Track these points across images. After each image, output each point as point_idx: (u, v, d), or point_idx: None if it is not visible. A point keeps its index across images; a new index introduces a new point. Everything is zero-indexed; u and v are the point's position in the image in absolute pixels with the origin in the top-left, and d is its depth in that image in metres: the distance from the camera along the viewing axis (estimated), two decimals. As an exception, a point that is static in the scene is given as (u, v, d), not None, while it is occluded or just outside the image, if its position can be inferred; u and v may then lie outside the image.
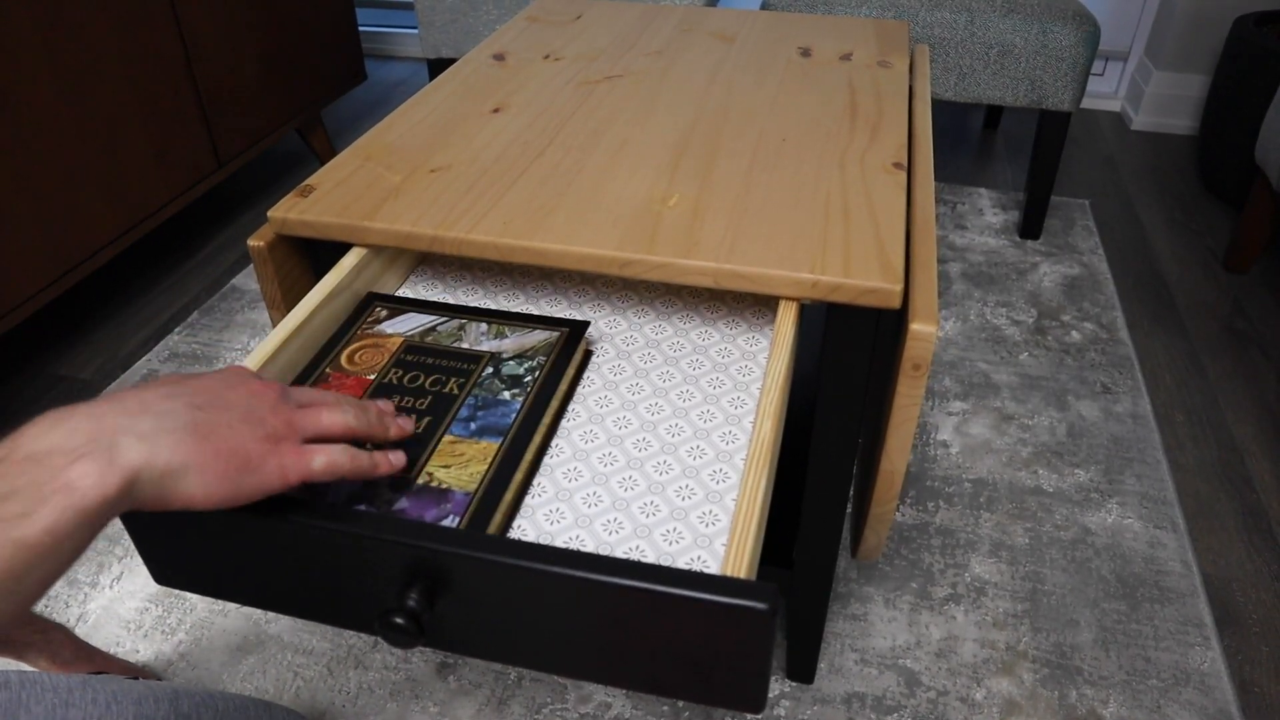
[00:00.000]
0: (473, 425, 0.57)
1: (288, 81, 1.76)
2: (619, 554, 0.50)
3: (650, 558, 0.50)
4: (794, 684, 0.95)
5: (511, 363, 0.62)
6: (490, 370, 0.62)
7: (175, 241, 1.76)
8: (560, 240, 0.66)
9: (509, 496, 0.53)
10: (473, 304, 0.76)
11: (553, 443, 0.59)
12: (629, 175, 0.76)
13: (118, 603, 1.04)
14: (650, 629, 0.43)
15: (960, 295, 1.58)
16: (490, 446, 0.55)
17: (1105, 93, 2.36)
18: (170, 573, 0.53)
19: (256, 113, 1.68)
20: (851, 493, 1.11)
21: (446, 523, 0.50)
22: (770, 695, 0.94)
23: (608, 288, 0.77)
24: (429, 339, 0.65)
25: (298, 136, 2.12)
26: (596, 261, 0.66)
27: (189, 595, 1.05)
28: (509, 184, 0.74)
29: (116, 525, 1.14)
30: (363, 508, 0.51)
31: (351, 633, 1.01)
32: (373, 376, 0.61)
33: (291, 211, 0.70)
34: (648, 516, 0.53)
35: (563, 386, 0.62)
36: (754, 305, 0.74)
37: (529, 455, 0.56)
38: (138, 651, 0.99)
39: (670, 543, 0.51)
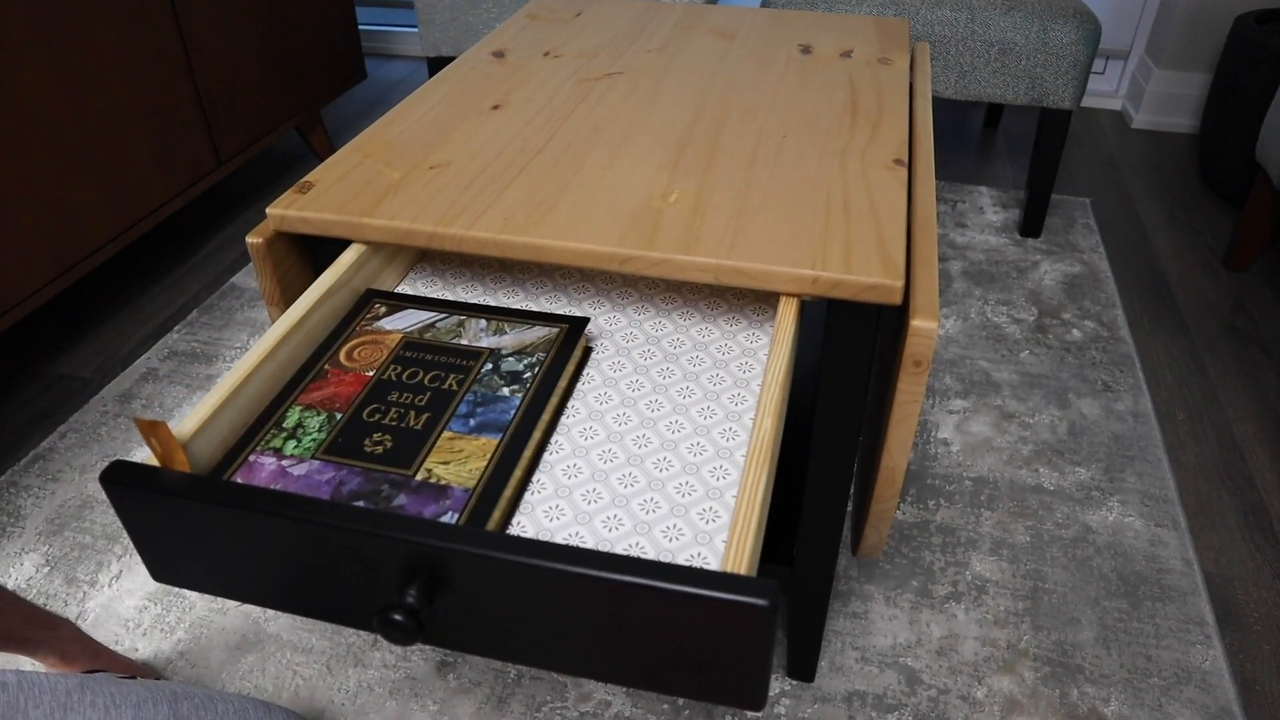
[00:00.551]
0: (472, 422, 0.57)
1: (287, 80, 1.76)
2: (619, 550, 0.50)
3: (650, 554, 0.50)
4: (794, 682, 0.95)
5: (511, 359, 0.62)
6: (489, 367, 0.61)
7: (175, 240, 1.76)
8: (560, 237, 0.66)
9: (508, 493, 0.53)
10: (472, 300, 0.75)
11: (552, 439, 0.58)
12: (629, 172, 0.75)
13: (117, 601, 1.04)
14: (650, 626, 0.43)
15: (961, 293, 1.58)
16: (489, 443, 0.55)
17: (1106, 91, 2.35)
18: (168, 570, 0.53)
19: (256, 111, 1.68)
20: (852, 490, 1.10)
21: (446, 519, 0.50)
22: (771, 693, 0.94)
23: (607, 284, 0.77)
24: (428, 335, 0.65)
25: (298, 135, 2.11)
26: (596, 258, 0.65)
27: (188, 593, 1.05)
28: (508, 181, 0.74)
29: (115, 524, 1.14)
30: (361, 504, 0.51)
31: (351, 631, 1.01)
32: (371, 373, 0.61)
33: (290, 208, 0.70)
34: (648, 513, 0.52)
35: (562, 383, 0.62)
36: (754, 302, 0.74)
37: (528, 452, 0.55)
38: (137, 650, 0.99)
39: (670, 539, 0.51)
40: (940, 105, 2.36)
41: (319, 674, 0.96)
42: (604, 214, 0.69)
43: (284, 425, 0.57)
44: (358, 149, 0.80)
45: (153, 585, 1.07)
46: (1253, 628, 1.03)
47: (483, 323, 0.66)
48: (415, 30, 2.66)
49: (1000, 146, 2.14)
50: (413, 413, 0.57)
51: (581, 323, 0.66)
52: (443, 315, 0.67)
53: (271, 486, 0.53)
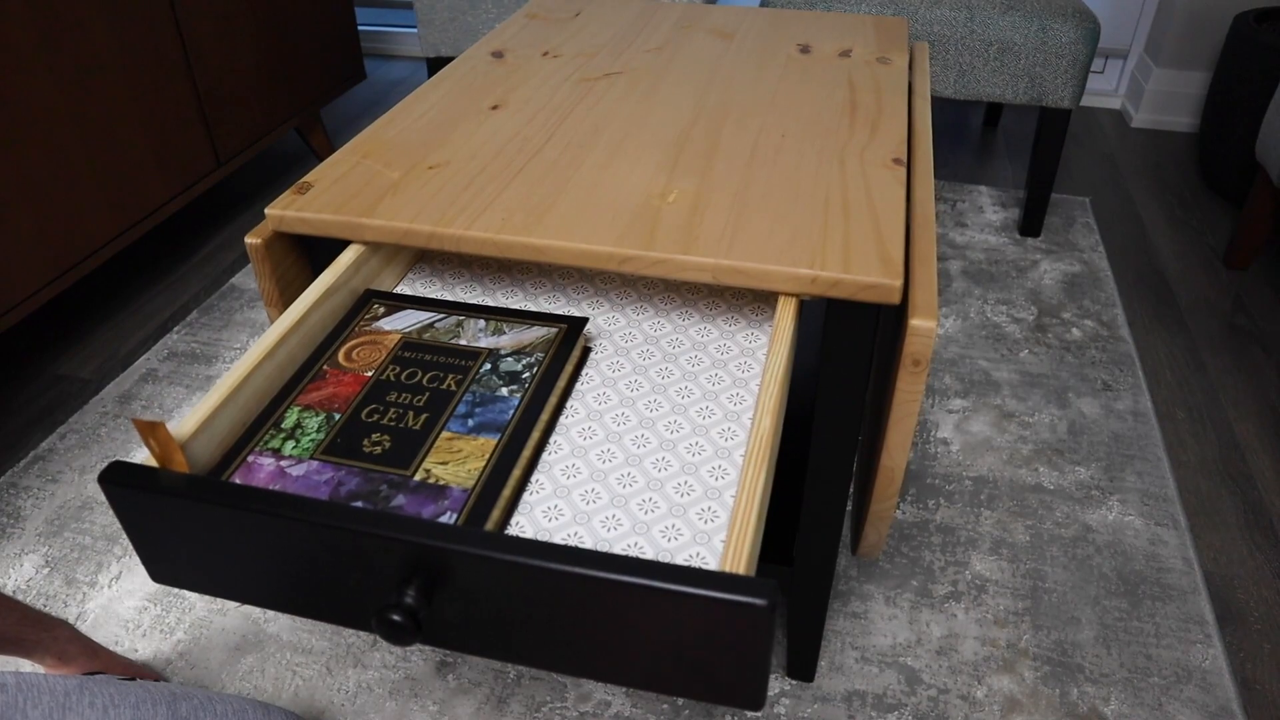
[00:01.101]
0: (470, 422, 0.56)
1: (287, 80, 1.76)
2: (617, 550, 0.50)
3: (649, 554, 0.50)
4: (794, 682, 0.95)
5: (509, 359, 0.62)
6: (488, 367, 0.61)
7: (174, 241, 1.76)
8: (559, 236, 0.66)
9: (507, 493, 0.53)
10: (471, 301, 0.75)
11: (551, 439, 0.58)
12: (628, 171, 0.75)
13: (116, 602, 1.04)
14: (649, 626, 0.43)
15: (960, 293, 1.58)
16: (488, 443, 0.55)
17: (1105, 90, 2.35)
18: (167, 571, 0.53)
19: (255, 112, 1.68)
20: (852, 490, 1.10)
21: (444, 519, 0.50)
22: (770, 693, 0.94)
23: (606, 284, 0.77)
24: (427, 336, 0.65)
25: (297, 135, 2.11)
26: (595, 258, 0.65)
27: (188, 594, 1.05)
28: (507, 180, 0.74)
29: (115, 525, 1.14)
30: (360, 505, 0.51)
31: (350, 631, 1.01)
32: (370, 373, 0.61)
33: (289, 208, 0.70)
34: (646, 513, 0.52)
35: (561, 383, 0.62)
36: (753, 301, 0.74)
37: (527, 452, 0.55)
38: (136, 650, 0.99)
39: (669, 539, 0.51)
40: (940, 104, 2.36)
41: (319, 674, 0.96)
42: (603, 214, 0.69)
43: (283, 426, 0.57)
44: (356, 149, 0.80)
45: (152, 586, 1.06)
46: (1253, 627, 1.03)
47: (481, 323, 0.66)
48: (414, 31, 2.66)
49: (1000, 146, 2.14)
50: (411, 413, 0.57)
51: (580, 323, 0.66)
52: (441, 315, 0.67)
53: (270, 487, 0.53)
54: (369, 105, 2.35)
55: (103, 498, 1.18)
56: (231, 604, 1.04)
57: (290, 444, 0.56)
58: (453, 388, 0.60)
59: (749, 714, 0.93)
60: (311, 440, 0.56)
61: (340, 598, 0.49)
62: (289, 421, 0.57)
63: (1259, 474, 1.23)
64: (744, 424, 0.59)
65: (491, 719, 0.92)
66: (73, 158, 1.29)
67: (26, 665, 0.96)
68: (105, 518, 1.15)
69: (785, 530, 0.87)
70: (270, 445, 0.56)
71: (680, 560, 0.50)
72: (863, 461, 0.87)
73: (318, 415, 0.58)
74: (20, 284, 1.23)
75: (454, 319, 0.67)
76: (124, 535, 1.13)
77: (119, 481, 0.48)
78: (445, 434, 0.56)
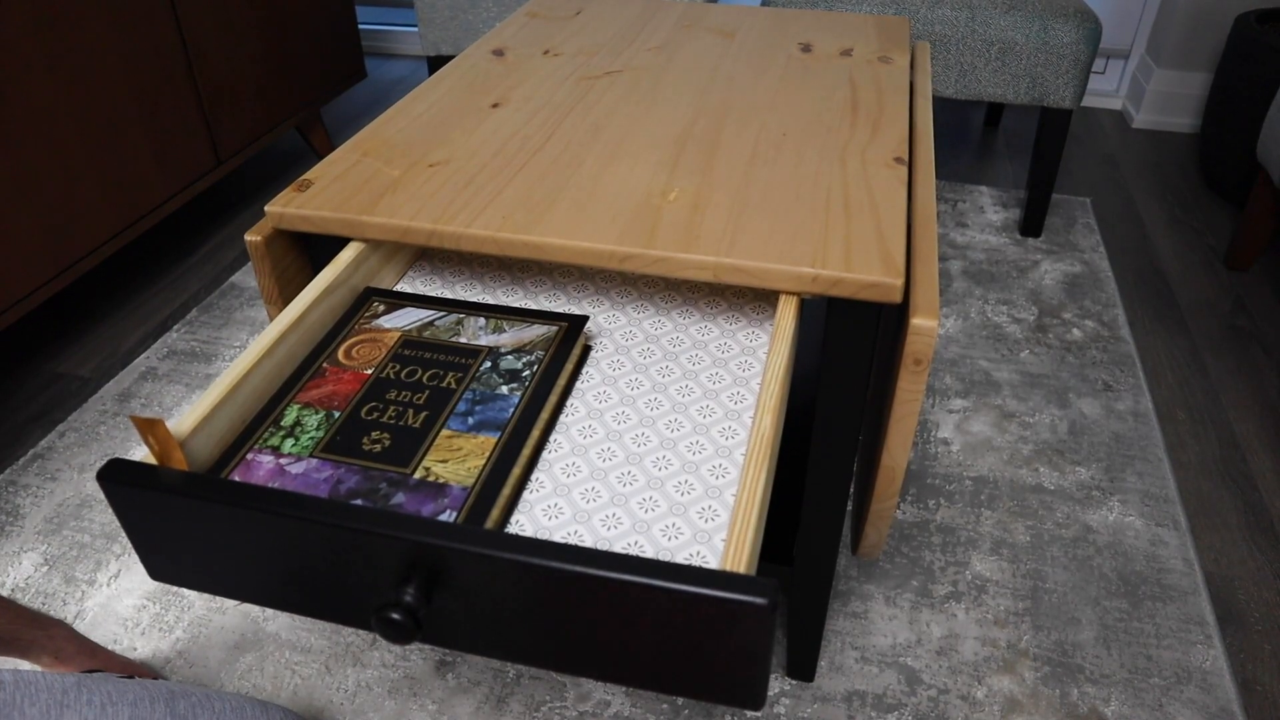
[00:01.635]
0: (470, 420, 0.56)
1: (287, 79, 1.76)
2: (618, 549, 0.50)
3: (649, 553, 0.50)
4: (794, 682, 0.95)
5: (510, 357, 0.62)
6: (488, 365, 0.61)
7: (174, 239, 1.76)
8: (559, 234, 0.66)
9: (507, 491, 0.53)
10: (471, 299, 0.75)
11: (551, 438, 0.58)
12: (628, 170, 0.75)
13: (115, 600, 1.04)
14: (649, 624, 0.43)
15: (961, 293, 1.57)
16: (488, 441, 0.55)
17: (1106, 90, 2.35)
18: (166, 569, 0.52)
19: (256, 110, 1.68)
20: (852, 490, 1.10)
21: (444, 517, 0.50)
22: (770, 693, 0.94)
23: (607, 283, 0.77)
24: (427, 334, 0.65)
25: (297, 134, 2.11)
26: (596, 256, 0.65)
27: (187, 592, 1.05)
28: (508, 178, 0.74)
29: (114, 523, 1.14)
30: (359, 503, 0.51)
31: (350, 630, 1.01)
32: (370, 371, 0.61)
33: (289, 206, 0.70)
34: (646, 512, 0.52)
35: (561, 381, 0.61)
36: (754, 300, 0.74)
37: (527, 450, 0.55)
38: (135, 649, 0.99)
39: (669, 538, 0.51)
40: (941, 104, 2.36)
41: (317, 673, 0.96)
42: (603, 212, 0.69)
43: (282, 423, 0.57)
44: (357, 147, 0.79)
45: (151, 584, 1.06)
46: (1253, 627, 1.03)
47: (481, 321, 0.66)
48: (415, 29, 2.66)
49: (1001, 146, 2.14)
50: (411, 411, 0.57)
51: (580, 321, 0.66)
52: (441, 313, 0.67)
53: (269, 485, 0.52)
54: (369, 104, 2.35)
55: (101, 496, 1.18)
56: (230, 602, 1.04)
57: (290, 442, 0.55)
58: (453, 386, 0.59)
59: (749, 714, 0.93)
60: (311, 438, 0.56)
61: (340, 596, 0.49)
62: (288, 419, 0.57)
63: (1260, 475, 1.23)
64: (745, 423, 0.59)
65: (491, 718, 0.92)
66: (73, 156, 1.28)
67: (25, 665, 0.96)
68: (104, 516, 1.15)
69: (785, 530, 0.87)
70: (269, 443, 0.55)
71: (681, 559, 0.49)
72: (863, 461, 0.87)
73: (317, 413, 0.57)
74: (20, 282, 1.23)
75: (454, 317, 0.67)
76: (123, 533, 1.13)
77: (118, 479, 0.48)
78: (445, 432, 0.55)
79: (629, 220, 0.68)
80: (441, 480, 0.52)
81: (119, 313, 1.55)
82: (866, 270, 0.62)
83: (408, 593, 0.45)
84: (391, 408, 0.58)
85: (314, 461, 0.54)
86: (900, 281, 0.61)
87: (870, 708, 0.93)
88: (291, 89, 1.78)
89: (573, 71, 0.96)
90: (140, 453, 1.24)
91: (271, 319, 0.72)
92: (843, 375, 0.69)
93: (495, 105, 0.88)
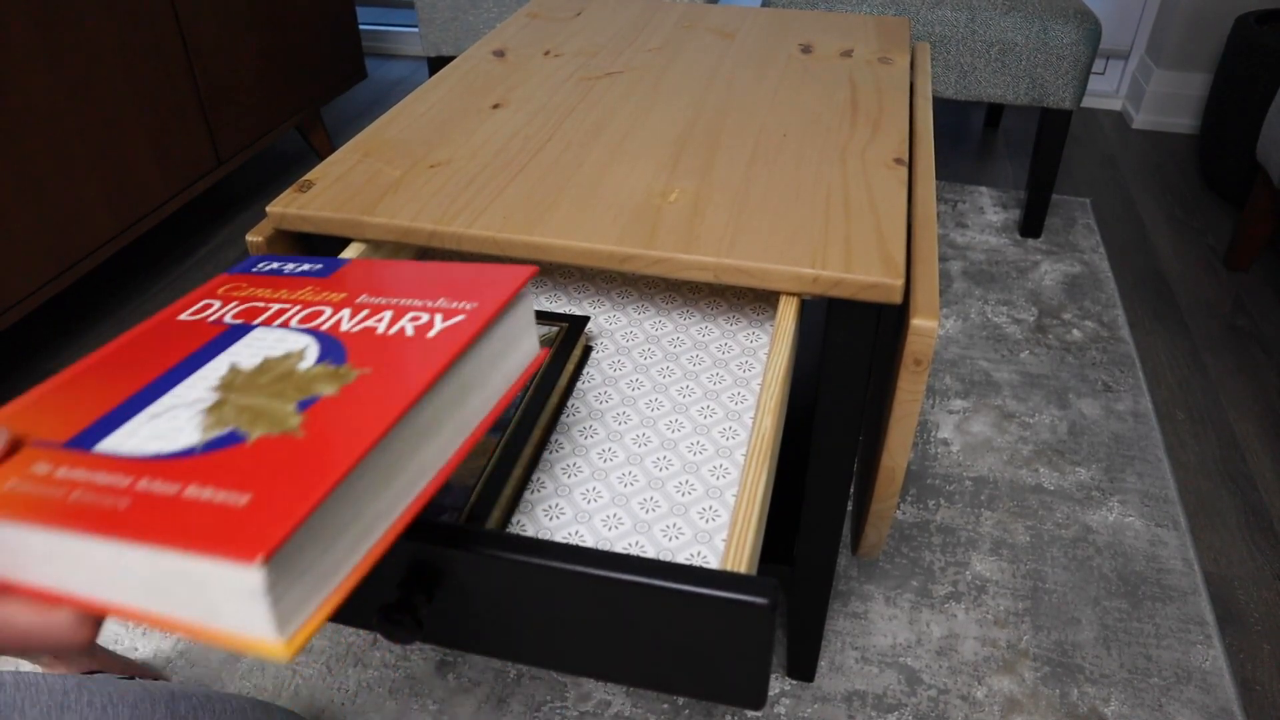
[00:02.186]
0: (472, 420, 0.56)
1: (288, 79, 1.76)
2: (618, 549, 0.50)
3: (650, 553, 0.50)
4: (794, 682, 0.95)
5: (511, 358, 0.62)
6: (489, 366, 0.61)
7: (175, 239, 1.76)
8: (560, 235, 0.66)
9: (508, 492, 0.53)
10: (472, 300, 0.75)
11: (552, 438, 0.58)
12: (629, 170, 0.75)
13: (116, 600, 1.04)
14: (649, 624, 0.43)
15: (961, 293, 1.58)
16: (489, 442, 0.55)
17: (1106, 91, 2.35)
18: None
19: (256, 110, 1.68)
20: (852, 490, 1.10)
21: (445, 518, 0.50)
22: (771, 693, 0.94)
23: (607, 283, 0.77)
24: (428, 334, 0.65)
25: (298, 134, 2.11)
26: (596, 256, 0.65)
27: (188, 593, 1.05)
28: (509, 179, 0.74)
29: (115, 523, 1.14)
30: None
31: (350, 630, 1.01)
32: (371, 372, 0.61)
33: (290, 206, 0.70)
34: (647, 512, 0.52)
35: (562, 382, 0.61)
36: (754, 301, 0.74)
37: (528, 451, 0.55)
38: (136, 649, 0.99)
39: (670, 538, 0.51)
40: (941, 105, 2.36)
41: (319, 673, 0.96)
42: (604, 212, 0.69)
43: (283, 424, 0.57)
44: (357, 148, 0.80)
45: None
46: (1253, 628, 1.03)
47: (482, 321, 0.66)
48: (415, 30, 2.66)
49: (1000, 146, 2.14)
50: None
51: (581, 321, 0.66)
52: (442, 314, 0.67)
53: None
54: (370, 104, 2.35)
55: (102, 496, 1.18)
56: (231, 603, 1.04)
57: (291, 442, 0.55)
58: (454, 386, 0.59)
59: (749, 714, 0.93)
60: (312, 438, 0.56)
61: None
62: (290, 420, 0.57)
63: (1259, 475, 1.23)
64: (745, 423, 0.59)
65: (491, 718, 0.92)
66: (73, 156, 1.29)
67: (25, 665, 0.96)
68: (105, 516, 1.15)
69: (786, 530, 0.87)
70: (271, 443, 0.55)
71: (681, 559, 0.50)
72: (863, 461, 0.87)
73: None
74: (21, 282, 1.23)
75: (455, 318, 0.67)
76: (124, 534, 1.13)
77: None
78: (446, 432, 0.55)
79: (629, 221, 0.68)
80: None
81: (120, 313, 1.55)
82: (866, 271, 0.62)
83: (410, 593, 0.45)
84: (393, 408, 0.58)
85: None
86: (900, 282, 0.61)
87: (870, 708, 0.93)
88: (292, 89, 1.78)
89: (573, 72, 0.96)
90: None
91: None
92: (843, 376, 0.69)
93: (496, 106, 0.88)
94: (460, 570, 0.45)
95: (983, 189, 1.92)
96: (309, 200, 0.71)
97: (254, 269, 0.53)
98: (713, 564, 0.49)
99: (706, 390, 0.62)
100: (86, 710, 0.53)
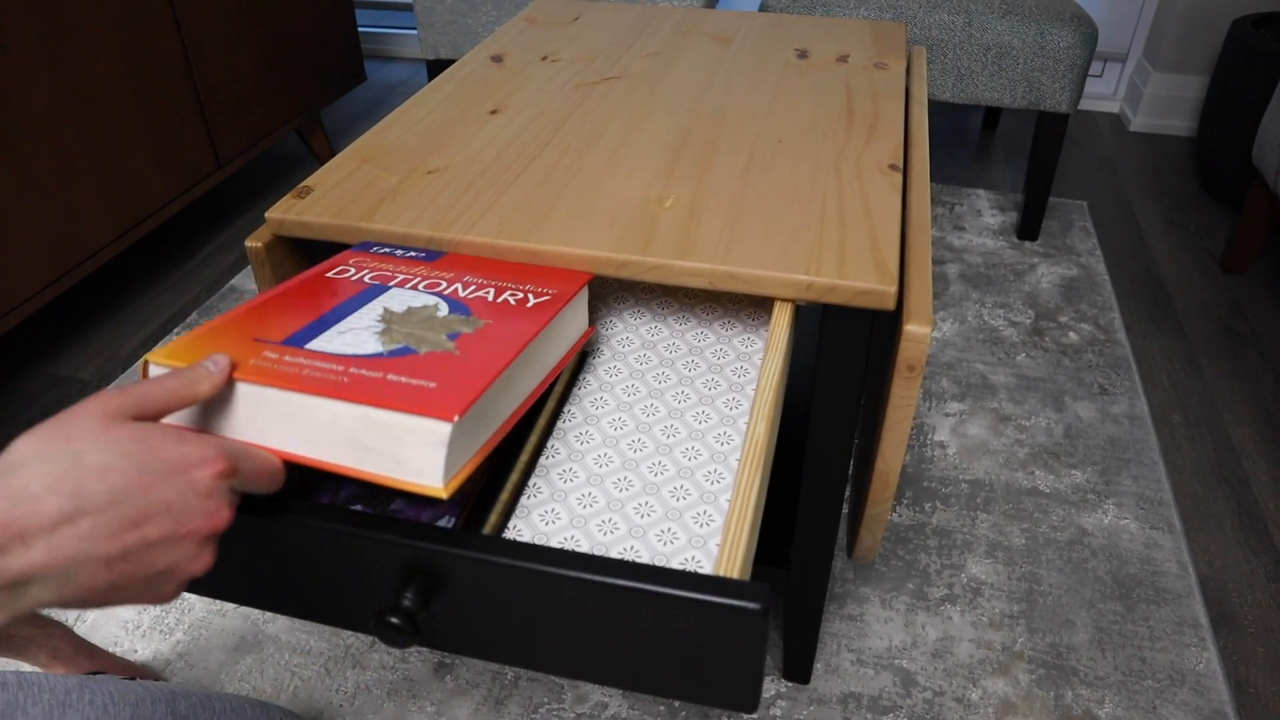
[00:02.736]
0: (468, 426, 0.57)
1: (287, 82, 1.77)
2: (614, 554, 0.51)
3: (645, 558, 0.50)
4: (790, 684, 0.96)
5: (508, 363, 0.63)
6: (486, 371, 0.62)
7: (174, 242, 1.77)
8: (557, 241, 0.67)
9: (504, 497, 0.53)
10: (470, 305, 0.76)
11: (548, 444, 0.59)
12: (626, 176, 0.76)
13: (116, 602, 1.04)
14: (643, 629, 0.44)
15: (958, 296, 1.58)
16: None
17: (1103, 94, 2.36)
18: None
19: (256, 113, 1.69)
20: (848, 493, 1.11)
21: (442, 523, 0.50)
22: (766, 695, 0.95)
23: (604, 289, 0.77)
24: (426, 340, 0.66)
25: (297, 137, 2.12)
26: (593, 263, 0.66)
27: (186, 595, 1.05)
28: (506, 185, 0.74)
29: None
30: (359, 508, 0.51)
31: (349, 632, 1.01)
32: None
33: (289, 212, 0.71)
34: (642, 517, 0.53)
35: (558, 388, 0.62)
36: (750, 306, 0.75)
37: (524, 456, 0.56)
38: (136, 651, 0.99)
39: (665, 543, 0.51)
40: (938, 108, 2.36)
41: (317, 675, 0.97)
42: (600, 218, 0.69)
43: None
44: (356, 153, 0.80)
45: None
46: (1247, 630, 1.03)
47: (480, 327, 0.67)
48: (415, 33, 2.67)
49: (998, 149, 2.14)
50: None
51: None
52: (440, 319, 0.68)
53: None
54: (369, 107, 2.36)
55: (102, 498, 1.18)
56: (230, 605, 1.04)
57: (289, 447, 0.56)
58: (451, 392, 0.60)
59: (744, 717, 0.94)
60: (311, 443, 0.56)
61: (339, 601, 0.50)
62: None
63: (1254, 478, 1.23)
64: (740, 428, 0.60)
65: (489, 720, 0.92)
66: (73, 159, 1.29)
67: (25, 666, 0.96)
68: (105, 518, 1.15)
69: (781, 533, 0.88)
70: (270, 448, 0.56)
71: (676, 564, 0.50)
72: (859, 465, 0.88)
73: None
74: (20, 285, 1.24)
75: (453, 323, 0.67)
76: (123, 536, 1.13)
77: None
78: (443, 438, 0.56)
79: (625, 227, 0.68)
80: (440, 486, 0.53)
81: (119, 316, 1.56)
82: (860, 277, 0.63)
83: (406, 597, 0.45)
84: (390, 413, 0.58)
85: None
86: (894, 288, 0.62)
87: (866, 710, 0.93)
88: (291, 92, 1.79)
89: (571, 78, 0.97)
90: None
91: (271, 324, 0.73)
92: (837, 380, 0.69)
93: (494, 111, 0.88)
94: (456, 575, 0.45)
95: (980, 192, 1.93)
96: (307, 206, 0.71)
97: (371, 250, 0.66)
98: (707, 569, 0.50)
99: (702, 396, 0.63)
100: (88, 709, 0.53)
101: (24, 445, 0.39)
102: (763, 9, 1.70)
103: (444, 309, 0.56)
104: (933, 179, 1.99)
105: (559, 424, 0.60)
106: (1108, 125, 2.28)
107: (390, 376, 0.47)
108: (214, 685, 0.96)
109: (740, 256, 0.65)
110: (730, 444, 0.58)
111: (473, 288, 0.60)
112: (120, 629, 1.02)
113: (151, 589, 0.41)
